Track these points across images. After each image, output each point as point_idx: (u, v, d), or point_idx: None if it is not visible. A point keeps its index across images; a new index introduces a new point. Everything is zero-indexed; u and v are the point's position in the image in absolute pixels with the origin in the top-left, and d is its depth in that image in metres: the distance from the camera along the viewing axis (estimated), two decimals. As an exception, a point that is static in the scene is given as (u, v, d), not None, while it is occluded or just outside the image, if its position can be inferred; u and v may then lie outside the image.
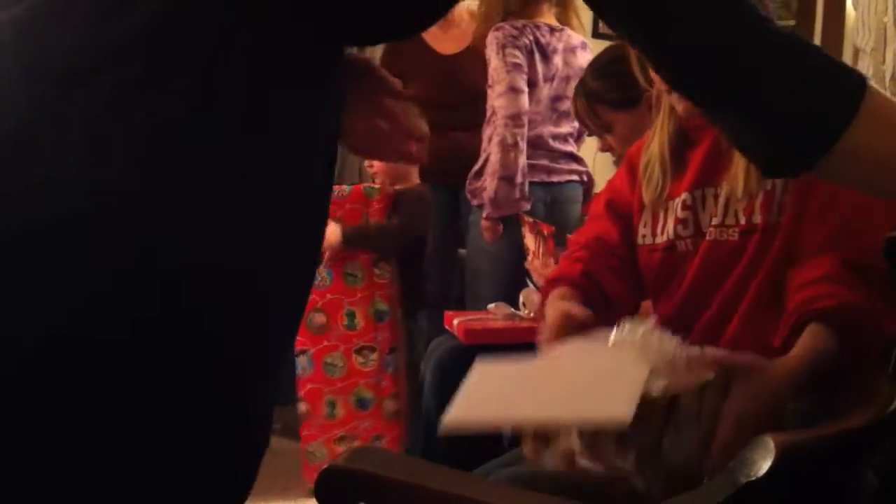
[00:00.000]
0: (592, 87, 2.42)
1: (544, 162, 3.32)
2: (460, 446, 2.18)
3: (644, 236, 1.66)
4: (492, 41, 3.23)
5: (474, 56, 3.43)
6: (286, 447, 3.05)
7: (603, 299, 1.62)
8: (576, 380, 1.31)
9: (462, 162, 3.41)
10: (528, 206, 3.22)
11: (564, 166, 3.38)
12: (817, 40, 5.12)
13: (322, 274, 2.83)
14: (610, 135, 2.43)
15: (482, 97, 3.32)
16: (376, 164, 3.12)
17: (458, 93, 3.55)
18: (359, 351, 2.86)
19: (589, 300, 1.60)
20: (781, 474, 0.91)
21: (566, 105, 3.34)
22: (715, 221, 1.56)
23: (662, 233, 1.63)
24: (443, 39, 3.69)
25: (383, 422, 2.90)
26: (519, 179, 3.18)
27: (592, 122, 2.46)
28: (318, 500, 1.23)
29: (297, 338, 2.85)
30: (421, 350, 3.11)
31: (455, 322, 2.52)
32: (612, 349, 1.32)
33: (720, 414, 1.25)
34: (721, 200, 1.56)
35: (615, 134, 2.41)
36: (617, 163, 4.89)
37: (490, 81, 3.24)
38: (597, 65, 2.50)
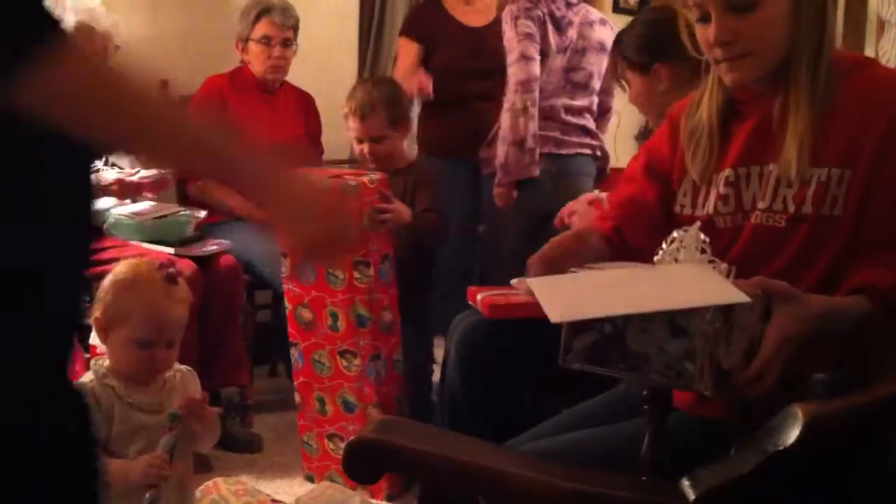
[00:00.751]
0: (621, 40, 2.46)
1: (555, 134, 3.36)
2: (483, 423, 2.19)
3: (683, 206, 1.65)
4: (507, 14, 3.31)
5: (500, 29, 3.46)
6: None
7: (630, 258, 1.61)
8: (657, 279, 1.37)
9: (482, 136, 3.44)
10: (537, 172, 3.25)
11: (575, 139, 3.42)
12: (840, 11, 5.07)
13: (307, 270, 2.75)
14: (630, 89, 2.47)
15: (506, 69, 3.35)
16: (365, 147, 3.05)
17: (483, 62, 3.58)
18: (342, 354, 2.78)
19: (616, 254, 1.63)
20: (810, 443, 0.92)
21: (580, 76, 3.39)
22: (762, 206, 1.54)
23: (703, 206, 1.62)
24: (467, 12, 3.73)
25: (368, 429, 2.80)
26: (530, 144, 3.24)
27: (614, 74, 2.51)
28: (345, 471, 1.24)
29: (289, 329, 2.83)
30: (425, 353, 3.09)
31: (478, 297, 2.51)
32: (663, 263, 1.40)
33: (764, 332, 1.30)
34: (770, 183, 1.54)
35: (630, 91, 2.45)
36: (639, 136, 4.89)
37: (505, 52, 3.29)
38: (635, 21, 2.51)
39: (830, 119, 1.49)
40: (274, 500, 2.36)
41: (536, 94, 3.25)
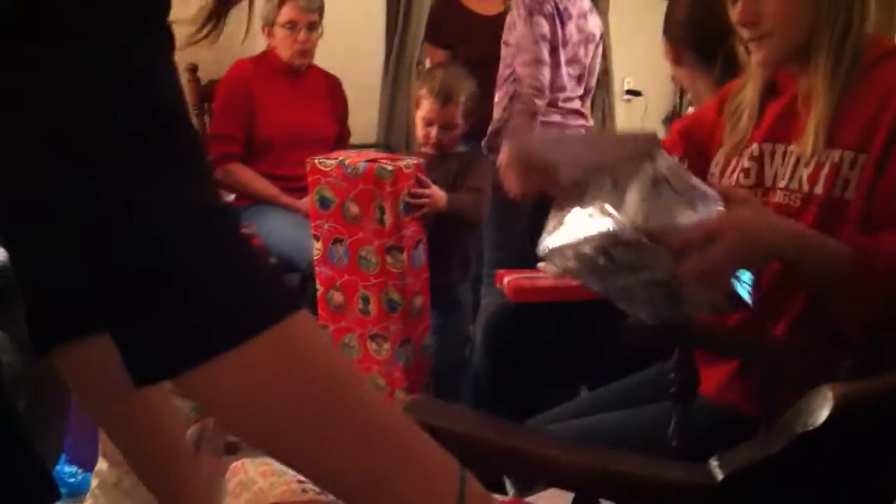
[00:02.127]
0: (677, 22, 2.23)
1: (556, 118, 3.42)
2: (507, 407, 2.20)
3: (712, 175, 1.68)
4: (519, 4, 3.31)
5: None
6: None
7: None
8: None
9: None
10: None
11: (573, 122, 3.48)
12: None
13: (339, 252, 2.78)
14: None
15: None
16: (433, 131, 2.98)
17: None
18: (372, 338, 2.79)
19: None
20: (840, 423, 0.91)
21: (577, 69, 3.43)
22: (782, 184, 1.56)
23: (729, 177, 1.64)
24: (482, 2, 3.75)
25: (396, 413, 2.78)
26: None
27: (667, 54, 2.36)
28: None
29: (320, 312, 2.84)
30: (460, 338, 3.07)
31: (505, 280, 2.52)
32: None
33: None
34: (790, 163, 1.55)
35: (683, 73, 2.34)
36: (666, 120, 4.87)
37: (516, 47, 3.30)
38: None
39: (851, 102, 1.50)
40: (300, 481, 2.37)
41: (546, 99, 3.31)
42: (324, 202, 2.78)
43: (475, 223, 3.06)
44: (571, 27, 3.42)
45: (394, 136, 4.40)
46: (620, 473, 0.98)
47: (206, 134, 3.58)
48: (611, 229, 1.31)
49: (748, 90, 1.66)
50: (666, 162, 1.33)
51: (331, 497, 1.58)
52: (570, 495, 1.04)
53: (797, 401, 0.95)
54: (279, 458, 0.70)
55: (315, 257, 2.85)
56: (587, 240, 1.36)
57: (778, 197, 1.56)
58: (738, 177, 1.62)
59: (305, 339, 0.69)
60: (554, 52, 3.37)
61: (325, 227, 2.79)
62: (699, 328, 1.69)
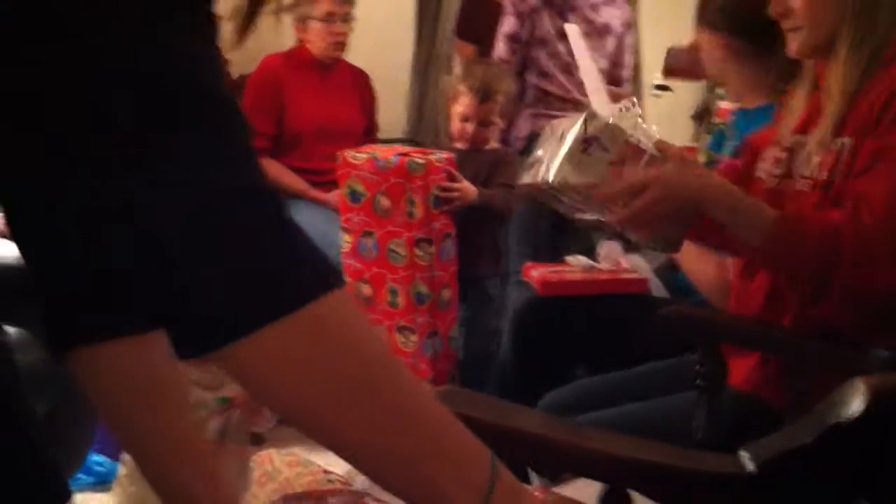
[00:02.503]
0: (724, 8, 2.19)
1: (566, 113, 3.43)
2: (532, 398, 2.20)
3: (759, 169, 1.72)
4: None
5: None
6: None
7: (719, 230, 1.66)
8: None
9: None
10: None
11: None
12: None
13: (368, 245, 2.79)
14: None
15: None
16: (469, 127, 2.97)
17: None
18: (400, 330, 2.79)
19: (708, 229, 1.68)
20: (872, 417, 0.91)
21: None
22: (802, 172, 1.59)
23: (766, 168, 1.69)
24: None
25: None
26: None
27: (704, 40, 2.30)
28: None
29: None
30: (490, 330, 3.05)
31: (533, 274, 2.52)
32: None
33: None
34: (808, 151, 1.59)
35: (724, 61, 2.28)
36: (696, 116, 4.85)
37: None
38: None
39: (864, 95, 1.52)
40: (326, 471, 2.38)
41: None
42: (354, 195, 2.79)
43: (505, 218, 3.06)
44: (572, 18, 3.40)
45: (422, 130, 4.41)
46: (650, 463, 0.98)
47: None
48: (538, 180, 1.49)
49: (801, 83, 1.69)
50: (598, 123, 1.46)
51: (357, 486, 1.58)
52: (598, 486, 1.04)
53: (824, 392, 0.95)
54: (313, 436, 0.70)
55: (344, 250, 2.86)
56: (531, 185, 1.54)
57: (798, 185, 1.59)
58: (771, 167, 1.66)
59: (340, 321, 0.68)
60: (544, 43, 3.41)
61: (356, 220, 2.80)
62: (725, 321, 1.69)
